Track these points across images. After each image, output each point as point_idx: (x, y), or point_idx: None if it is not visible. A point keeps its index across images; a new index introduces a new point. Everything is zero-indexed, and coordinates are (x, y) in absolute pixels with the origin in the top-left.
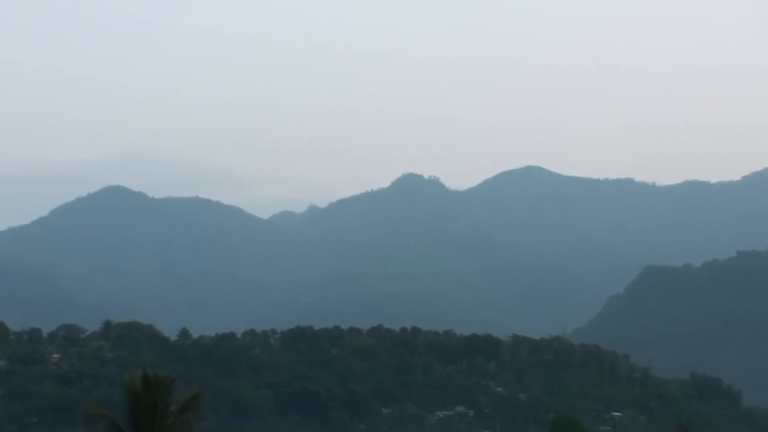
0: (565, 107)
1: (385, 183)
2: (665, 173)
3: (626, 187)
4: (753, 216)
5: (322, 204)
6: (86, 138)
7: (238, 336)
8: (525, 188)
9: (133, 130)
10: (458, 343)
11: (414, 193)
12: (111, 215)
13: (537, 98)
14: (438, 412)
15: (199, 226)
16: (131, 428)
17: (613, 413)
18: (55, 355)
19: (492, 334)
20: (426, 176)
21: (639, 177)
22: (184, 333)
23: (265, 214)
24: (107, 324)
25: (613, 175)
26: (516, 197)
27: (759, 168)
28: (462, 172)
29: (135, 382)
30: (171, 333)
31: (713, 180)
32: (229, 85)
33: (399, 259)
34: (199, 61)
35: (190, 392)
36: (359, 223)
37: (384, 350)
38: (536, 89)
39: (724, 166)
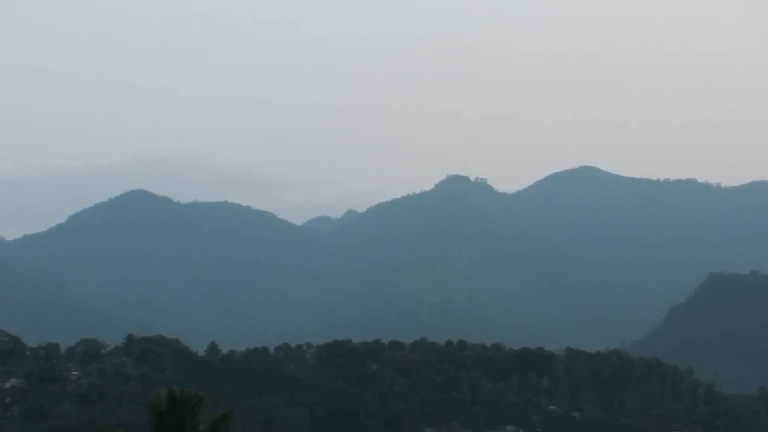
0: (621, 103)
1: (429, 185)
2: (730, 173)
3: (688, 188)
4: None
5: (361, 208)
6: (106, 139)
7: (271, 351)
8: (579, 190)
9: (156, 130)
10: (508, 357)
11: (459, 196)
12: (133, 221)
13: (591, 94)
14: None
15: (228, 233)
16: None
17: None
18: (74, 373)
19: (544, 348)
20: (472, 178)
21: (702, 177)
22: (213, 348)
23: (299, 220)
24: (130, 338)
25: (674, 176)
26: (569, 200)
27: None
28: (511, 174)
29: (160, 400)
30: (198, 348)
31: None
32: (259, 83)
33: (443, 268)
34: (226, 58)
35: (219, 411)
36: (400, 228)
37: (428, 365)
38: (590, 84)
39: None
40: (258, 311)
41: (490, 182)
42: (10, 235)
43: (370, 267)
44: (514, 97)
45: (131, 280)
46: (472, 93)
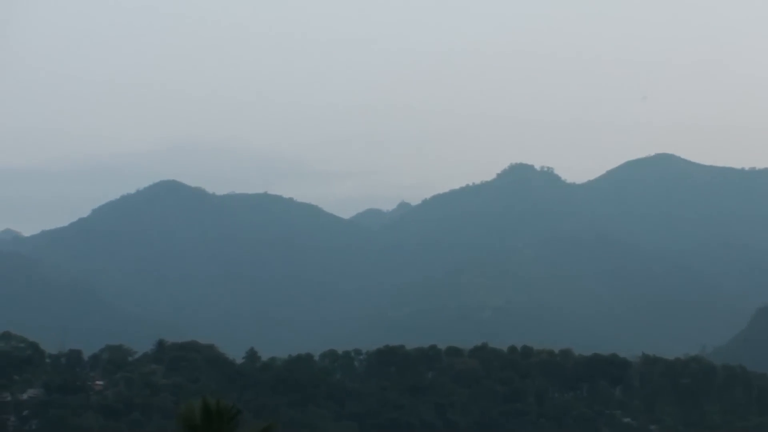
0: (700, 86)
1: (490, 175)
2: None
3: None
4: None
5: (415, 201)
6: (134, 126)
7: (316, 358)
8: (655, 180)
9: (189, 116)
10: (577, 364)
11: (524, 187)
12: (163, 215)
13: (666, 77)
14: None
15: (269, 228)
16: None
17: None
18: (98, 382)
19: (617, 354)
20: (538, 167)
21: None
22: (252, 355)
23: (346, 213)
24: (160, 344)
25: (760, 164)
26: (645, 191)
27: None
28: (581, 162)
29: (193, 413)
30: (236, 355)
31: None
32: (301, 64)
33: (506, 266)
34: (266, 37)
35: (259, 425)
36: (458, 223)
37: (489, 374)
38: (665, 66)
39: None
40: (301, 314)
41: (557, 171)
42: (28, 230)
43: (425, 265)
44: (584, 79)
45: (161, 280)
46: (538, 74)
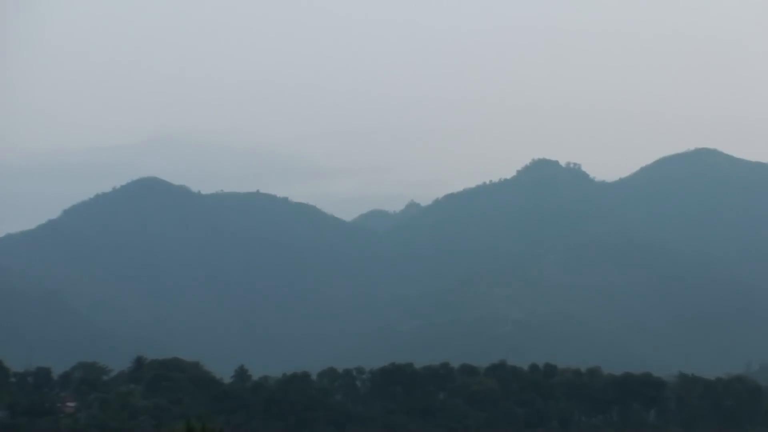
0: (743, 74)
1: (509, 172)
2: None
3: None
4: None
5: (425, 201)
6: (111, 117)
7: (313, 377)
8: (694, 178)
9: (172, 106)
10: (607, 385)
11: (548, 185)
12: (143, 216)
13: (709, 66)
14: None
15: (261, 231)
16: None
17: None
18: (69, 404)
19: (652, 373)
20: (563, 163)
21: None
22: (242, 373)
23: (348, 215)
24: (139, 362)
25: None
26: (683, 190)
27: None
28: (611, 158)
29: None
30: (223, 373)
31: None
32: (298, 49)
33: (527, 274)
34: (258, 19)
35: None
36: (474, 225)
37: (508, 395)
38: (705, 53)
39: None
40: (297, 328)
41: (585, 168)
42: None
43: (437, 273)
44: (614, 65)
45: (140, 289)
46: (561, 61)
